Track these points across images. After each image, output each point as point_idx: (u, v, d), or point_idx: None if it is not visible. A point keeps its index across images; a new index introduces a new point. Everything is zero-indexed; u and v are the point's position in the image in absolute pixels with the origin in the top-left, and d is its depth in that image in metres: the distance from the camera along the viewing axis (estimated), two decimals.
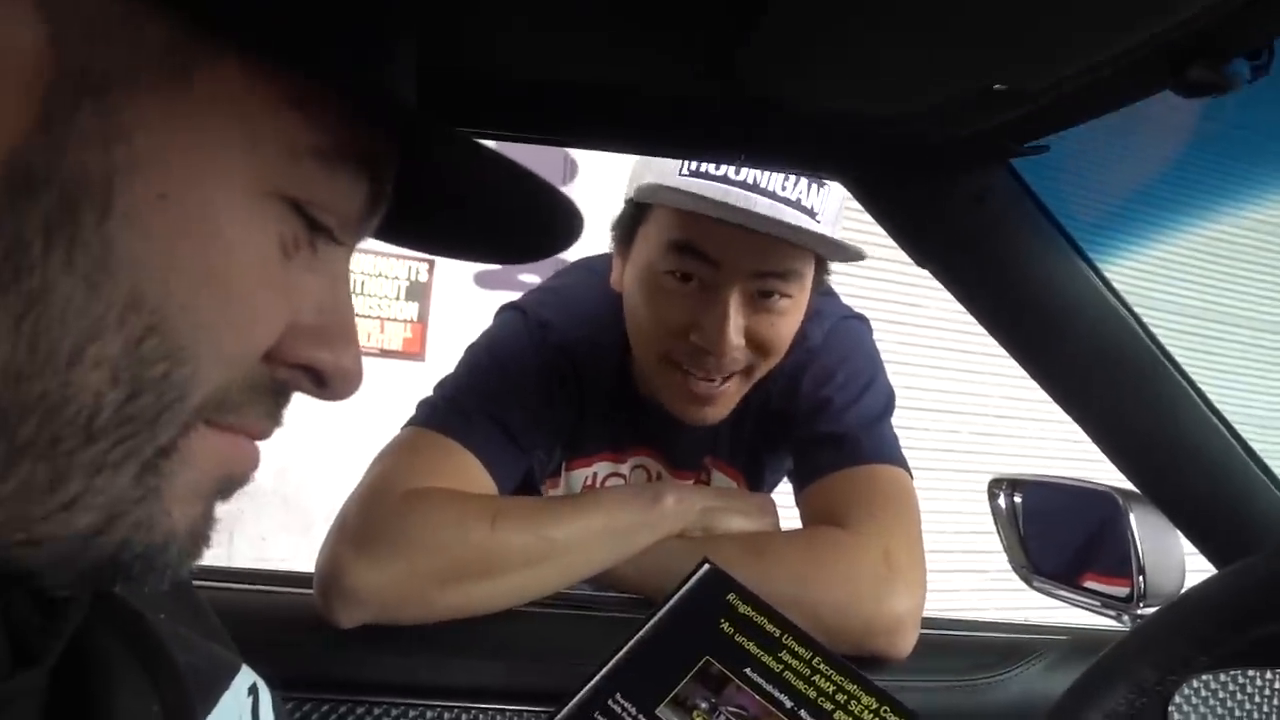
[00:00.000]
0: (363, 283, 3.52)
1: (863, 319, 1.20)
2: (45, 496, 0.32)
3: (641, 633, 0.63)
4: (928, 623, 0.93)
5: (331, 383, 0.41)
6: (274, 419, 0.40)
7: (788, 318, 0.99)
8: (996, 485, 1.12)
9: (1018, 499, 1.08)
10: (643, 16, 0.57)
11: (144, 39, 0.32)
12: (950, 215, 0.79)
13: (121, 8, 0.31)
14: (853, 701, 0.59)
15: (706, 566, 0.67)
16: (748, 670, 0.61)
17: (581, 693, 0.60)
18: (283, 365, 0.39)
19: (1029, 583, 1.10)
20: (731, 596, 0.65)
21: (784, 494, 1.18)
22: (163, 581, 0.37)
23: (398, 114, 0.38)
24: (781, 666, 0.61)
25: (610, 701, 0.60)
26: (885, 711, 0.59)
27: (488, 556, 0.86)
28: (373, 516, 0.86)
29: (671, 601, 0.66)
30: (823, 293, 1.10)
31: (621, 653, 0.62)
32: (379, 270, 3.54)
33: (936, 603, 0.91)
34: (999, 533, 1.12)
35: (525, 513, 0.90)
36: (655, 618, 0.64)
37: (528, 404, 1.03)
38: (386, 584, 0.83)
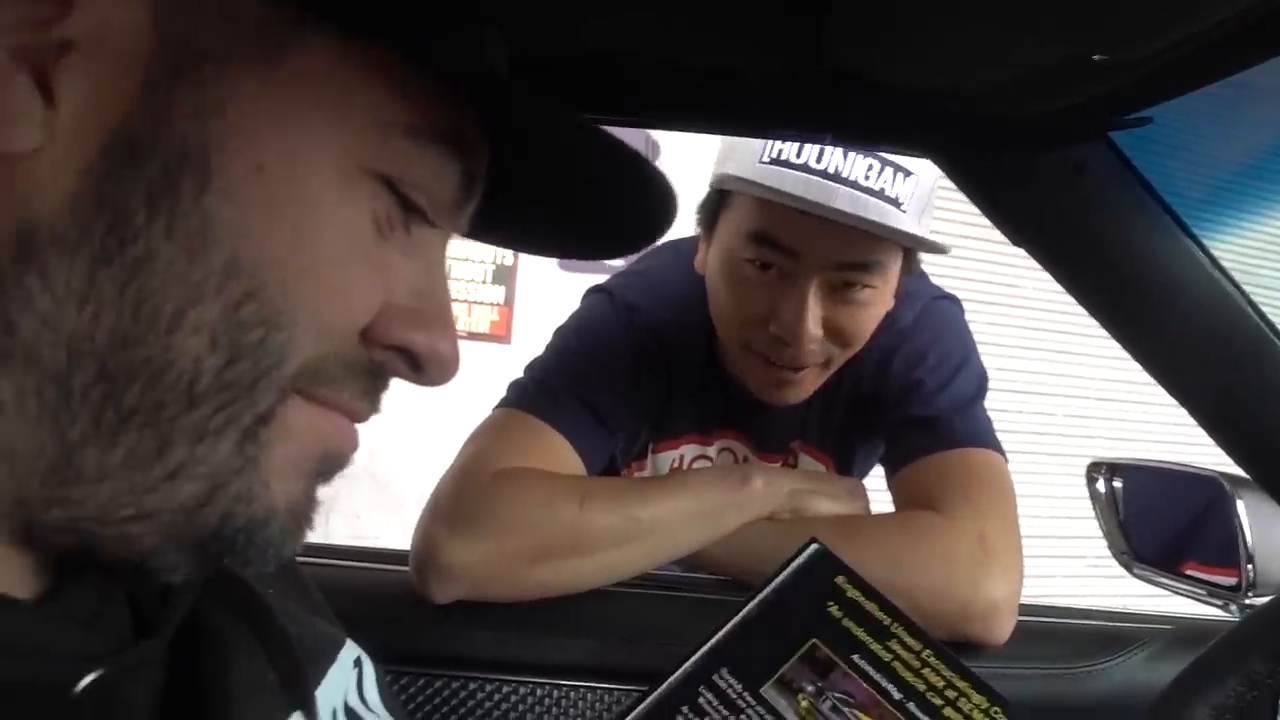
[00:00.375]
0: (450, 266, 3.54)
1: (954, 299, 1.18)
2: (151, 465, 0.33)
3: (746, 610, 0.63)
4: (1025, 609, 0.91)
5: (427, 367, 0.41)
6: (371, 401, 0.41)
7: (870, 309, 0.98)
8: (1095, 469, 1.09)
9: (1117, 483, 1.05)
10: None
11: (239, 15, 0.33)
12: (1046, 191, 0.76)
13: None
14: (962, 699, 0.58)
15: (815, 546, 0.66)
16: (855, 657, 0.60)
17: (686, 665, 0.60)
18: (378, 346, 0.40)
19: (1129, 570, 1.07)
20: (840, 579, 0.64)
21: (875, 478, 1.16)
22: (267, 561, 0.37)
23: (490, 87, 0.38)
24: (890, 656, 0.60)
25: (715, 677, 0.59)
26: (996, 712, 0.57)
27: (576, 536, 0.87)
28: (465, 496, 0.88)
29: (777, 580, 0.64)
30: (913, 281, 1.08)
31: (726, 628, 0.62)
32: (466, 254, 3.59)
33: (1032, 589, 0.89)
34: (1098, 518, 1.09)
35: (613, 493, 0.91)
36: (760, 596, 0.64)
37: (615, 386, 1.04)
38: (478, 561, 0.85)
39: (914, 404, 1.04)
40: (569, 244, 0.52)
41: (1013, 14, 0.52)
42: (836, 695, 0.58)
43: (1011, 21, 0.53)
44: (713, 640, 0.61)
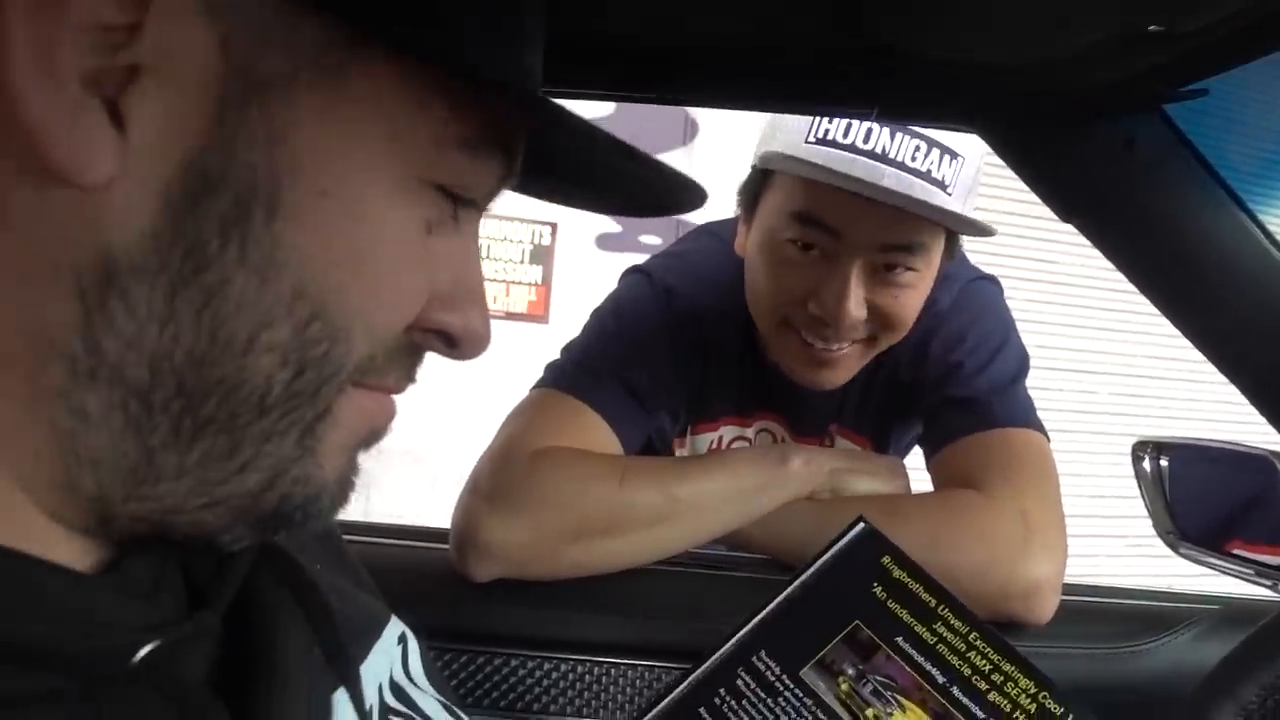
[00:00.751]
0: (488, 247, 3.59)
1: (993, 280, 1.16)
2: (223, 463, 0.35)
3: (789, 591, 0.62)
4: (1069, 589, 0.90)
5: (462, 344, 0.43)
6: (411, 377, 0.43)
7: (912, 291, 0.97)
8: (1141, 448, 1.07)
9: (1164, 462, 1.03)
10: None
11: (301, 41, 0.33)
12: (1097, 166, 0.75)
13: (279, 11, 0.33)
14: (1009, 683, 0.57)
15: (862, 526, 0.65)
16: (899, 639, 0.59)
17: (725, 647, 0.60)
18: (418, 330, 0.41)
19: (1175, 549, 1.05)
20: (886, 559, 0.63)
21: (914, 457, 1.15)
22: (318, 525, 0.41)
23: (534, 106, 0.39)
24: (935, 639, 0.59)
25: (754, 659, 0.59)
26: (1044, 697, 0.56)
27: (614, 514, 0.88)
28: (504, 475, 0.89)
29: (822, 560, 0.64)
30: (952, 263, 1.07)
31: (768, 610, 0.61)
32: (504, 234, 3.60)
33: (1075, 569, 0.88)
34: (1143, 497, 1.07)
35: (652, 472, 0.91)
36: (804, 576, 0.63)
37: (652, 367, 1.04)
38: (516, 540, 0.86)
39: (953, 385, 1.03)
40: (599, 203, 0.53)
41: None
42: (878, 679, 0.58)
43: None
44: (753, 622, 0.61)
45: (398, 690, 0.53)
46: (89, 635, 0.33)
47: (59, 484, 0.33)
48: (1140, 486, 1.07)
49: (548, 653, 0.88)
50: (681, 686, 0.58)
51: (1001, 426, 0.98)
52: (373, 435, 0.43)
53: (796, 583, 0.63)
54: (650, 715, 0.57)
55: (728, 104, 0.79)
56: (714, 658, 0.59)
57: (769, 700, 0.57)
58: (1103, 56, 0.63)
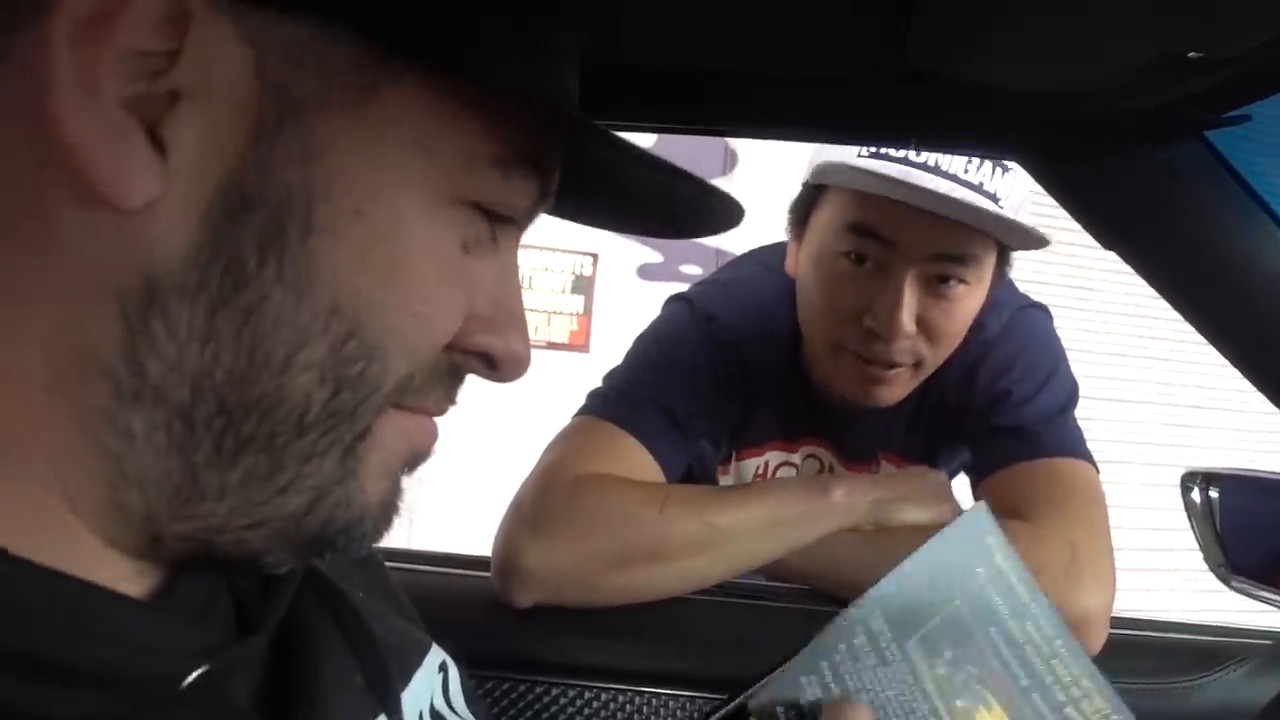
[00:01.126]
0: (530, 278, 3.62)
1: (1042, 308, 1.16)
2: (265, 484, 0.36)
3: (903, 562, 0.60)
4: (1117, 622, 0.88)
5: (502, 366, 0.43)
6: (451, 399, 0.43)
7: (964, 304, 0.97)
8: (1190, 479, 1.05)
9: (1214, 493, 1.01)
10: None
11: (333, 61, 0.34)
12: (1138, 192, 0.74)
13: (312, 31, 0.33)
14: (1086, 700, 0.55)
15: (978, 503, 0.62)
16: (992, 630, 0.57)
17: (850, 608, 0.57)
18: (459, 351, 0.41)
19: (1227, 583, 1.03)
20: (991, 540, 0.60)
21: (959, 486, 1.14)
22: (361, 550, 0.41)
23: (567, 123, 0.39)
24: (1024, 637, 0.57)
25: (872, 620, 0.57)
26: None
27: (655, 542, 0.88)
28: (545, 501, 0.89)
29: (937, 535, 0.61)
30: (1000, 289, 1.06)
31: (885, 577, 0.58)
32: (545, 265, 3.64)
33: (1125, 602, 0.86)
34: (1193, 529, 1.05)
35: (693, 500, 0.91)
36: (918, 550, 0.60)
37: (694, 394, 1.04)
38: (557, 566, 0.86)
39: (1000, 414, 1.02)
40: (636, 227, 0.53)
41: (1105, 12, 0.51)
42: (970, 668, 0.56)
43: (1104, 19, 0.52)
44: (876, 585, 0.58)
45: (437, 718, 0.54)
46: (142, 659, 0.33)
47: (108, 504, 0.34)
48: (1190, 518, 1.05)
49: (588, 681, 0.88)
50: (812, 641, 0.56)
51: (1049, 456, 0.97)
52: (415, 458, 0.43)
53: (911, 555, 0.61)
54: (795, 658, 0.56)
55: (766, 134, 0.80)
56: (841, 614, 0.57)
57: (879, 669, 0.56)
58: (1144, 83, 0.63)
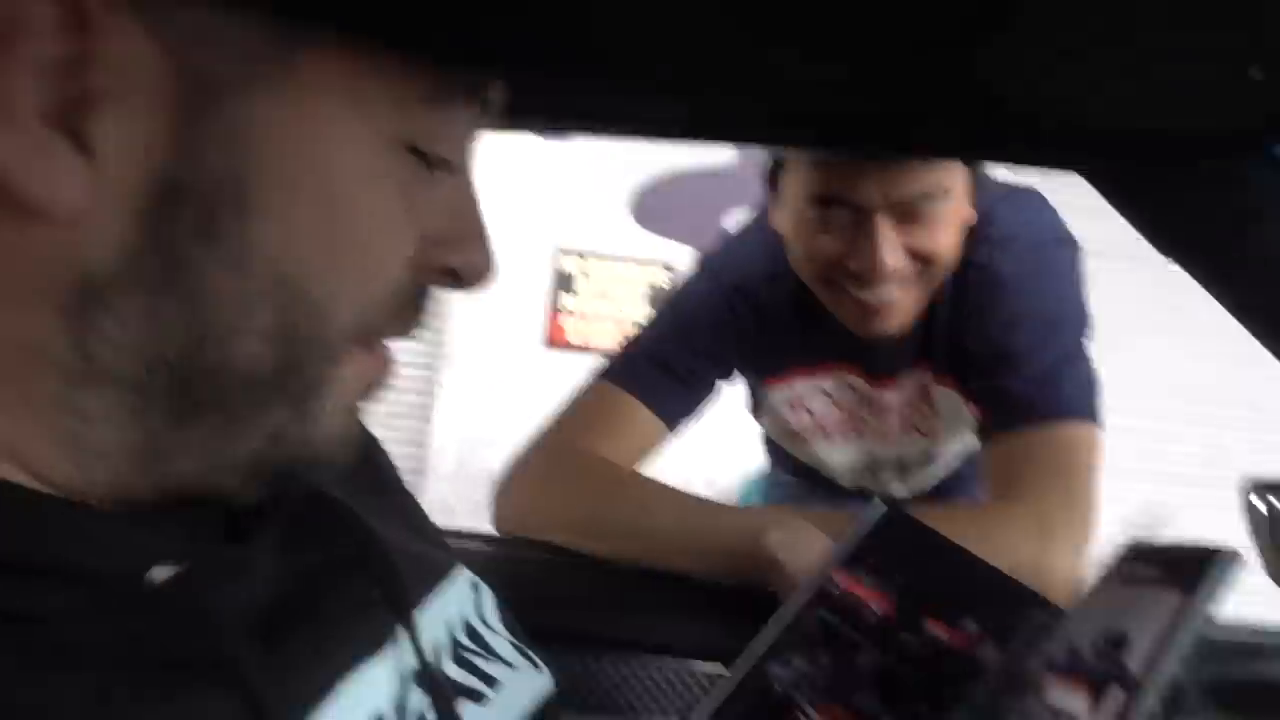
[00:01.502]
0: (606, 289, 3.78)
1: (1069, 242, 1.13)
2: (223, 435, 0.38)
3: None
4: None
5: (465, 281, 0.45)
6: (416, 321, 0.45)
7: (945, 225, 1.00)
8: (1250, 487, 1.05)
9: (1275, 501, 1.01)
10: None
11: (247, 39, 0.34)
12: (1202, 204, 0.74)
13: (221, 15, 0.33)
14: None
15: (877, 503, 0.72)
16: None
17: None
18: (422, 273, 0.43)
19: None
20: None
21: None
22: (326, 475, 0.44)
23: (485, 56, 0.41)
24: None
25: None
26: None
27: (599, 525, 0.98)
28: (537, 461, 1.07)
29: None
30: (1024, 220, 1.08)
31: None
32: (620, 275, 3.74)
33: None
34: (1253, 539, 1.05)
35: (642, 496, 1.01)
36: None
37: (690, 341, 1.14)
38: (533, 510, 1.04)
39: (999, 375, 1.04)
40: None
41: (1168, 35, 0.52)
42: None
43: (1168, 42, 0.53)
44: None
45: (473, 633, 0.54)
46: (101, 554, 0.35)
47: (76, 476, 0.35)
48: (1250, 528, 1.05)
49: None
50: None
51: (1042, 419, 0.99)
52: (373, 390, 0.45)
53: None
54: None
55: (814, 147, 0.81)
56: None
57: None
58: (1209, 102, 0.64)
